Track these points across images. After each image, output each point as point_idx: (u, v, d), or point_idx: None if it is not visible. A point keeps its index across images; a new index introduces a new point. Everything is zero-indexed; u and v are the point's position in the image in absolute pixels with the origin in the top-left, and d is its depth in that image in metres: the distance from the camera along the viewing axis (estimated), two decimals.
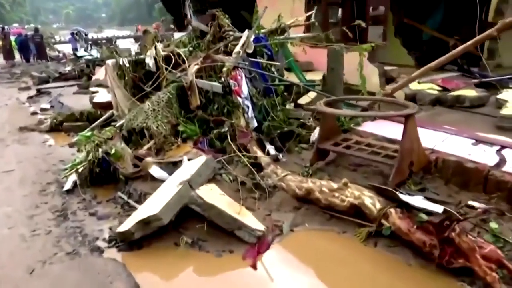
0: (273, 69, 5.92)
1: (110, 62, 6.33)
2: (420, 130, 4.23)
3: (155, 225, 3.25)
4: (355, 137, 4.29)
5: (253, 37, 5.45)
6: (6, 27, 25.76)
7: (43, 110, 8.86)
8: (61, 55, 19.97)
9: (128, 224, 3.32)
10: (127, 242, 3.32)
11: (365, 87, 5.26)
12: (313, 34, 5.72)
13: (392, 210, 3.17)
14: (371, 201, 3.31)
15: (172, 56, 5.89)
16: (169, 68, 5.75)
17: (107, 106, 7.20)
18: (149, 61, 6.06)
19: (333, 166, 4.22)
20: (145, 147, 4.49)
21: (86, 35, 21.98)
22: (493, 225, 3.06)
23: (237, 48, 5.38)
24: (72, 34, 20.38)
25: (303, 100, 6.36)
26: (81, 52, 14.90)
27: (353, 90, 6.81)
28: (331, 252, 3.23)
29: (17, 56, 20.22)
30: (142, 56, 6.31)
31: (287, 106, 5.24)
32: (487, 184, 3.47)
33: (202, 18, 6.41)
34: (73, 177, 4.63)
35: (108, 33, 38.90)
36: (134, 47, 6.60)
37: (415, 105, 3.58)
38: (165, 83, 5.80)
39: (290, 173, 4.02)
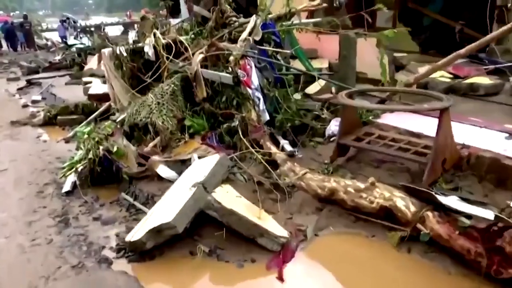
0: (278, 57, 5.58)
1: (106, 51, 5.93)
2: None
3: (168, 233, 2.96)
4: (377, 131, 4.00)
5: (259, 22, 5.09)
6: None
7: (34, 102, 8.44)
8: (49, 43, 19.32)
9: (138, 232, 3.02)
10: (138, 252, 3.02)
11: (386, 76, 4.94)
12: (327, 19, 5.35)
13: (429, 213, 2.91)
14: (404, 203, 3.04)
15: (173, 45, 5.52)
16: (170, 57, 5.38)
17: (103, 98, 6.83)
18: (148, 49, 5.67)
19: (355, 163, 3.93)
20: (151, 145, 4.16)
21: (75, 22, 21.22)
22: None
23: (244, 35, 5.03)
24: (62, 21, 19.64)
25: (311, 90, 6.04)
26: (72, 41, 14.31)
27: (365, 79, 6.52)
28: (361, 259, 2.97)
29: (3, 44, 19.52)
30: (140, 45, 5.92)
31: (297, 97, 4.91)
32: None
33: (204, 3, 5.98)
34: (72, 177, 4.30)
35: (95, 20, 37.88)
36: (132, 35, 6.17)
37: (449, 97, 3.29)
38: (166, 73, 5.44)
39: (309, 171, 3.74)
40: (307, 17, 7.73)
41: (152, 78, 5.31)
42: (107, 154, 4.16)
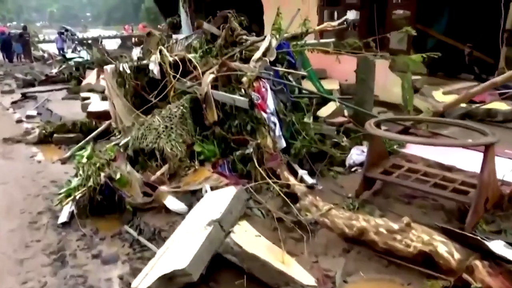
0: (290, 78, 5.29)
1: (108, 67, 5.61)
2: (474, 155, 3.68)
3: (181, 281, 2.59)
4: (405, 163, 3.68)
5: (274, 42, 4.81)
6: None
7: (29, 117, 8.04)
8: (46, 55, 18.95)
9: (147, 279, 2.64)
10: None
11: (412, 103, 4.65)
12: (349, 40, 5.08)
13: (478, 263, 2.57)
14: (447, 249, 2.70)
15: (180, 62, 5.20)
16: (178, 76, 5.06)
17: (103, 116, 6.48)
18: (154, 67, 5.36)
19: (382, 198, 3.60)
20: (158, 173, 3.80)
21: (73, 34, 20.92)
22: None
23: (258, 55, 4.74)
24: (60, 33, 19.32)
25: (323, 112, 5.75)
26: (70, 54, 13.96)
27: (377, 102, 6.25)
28: None
29: None
30: (145, 62, 5.61)
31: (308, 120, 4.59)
32: None
33: (214, 20, 5.70)
34: (69, 206, 3.91)
35: (93, 32, 37.69)
36: (136, 51, 5.86)
37: (492, 131, 2.99)
38: (173, 93, 5.12)
39: (334, 206, 3.39)
40: (315, 38, 7.51)
41: (158, 98, 4.98)
42: (108, 181, 3.79)
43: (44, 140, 6.41)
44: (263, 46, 4.76)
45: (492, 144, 2.84)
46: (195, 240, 2.78)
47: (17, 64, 17.53)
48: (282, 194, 3.55)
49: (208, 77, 4.55)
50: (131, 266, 3.09)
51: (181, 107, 4.20)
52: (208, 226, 2.84)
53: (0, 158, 5.80)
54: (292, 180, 3.76)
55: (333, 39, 5.82)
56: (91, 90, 9.50)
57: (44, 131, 6.48)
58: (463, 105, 6.45)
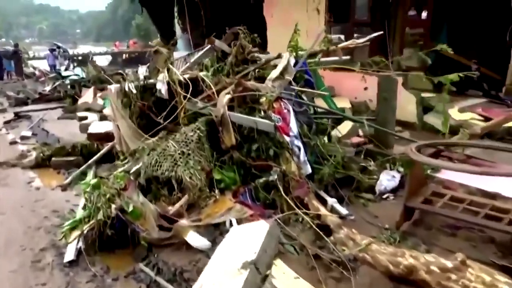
0: (304, 97, 5.03)
1: (113, 87, 5.29)
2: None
3: None
4: (446, 191, 3.40)
5: (293, 60, 4.56)
6: None
7: (24, 138, 7.62)
8: (37, 72, 18.53)
9: None
10: None
11: (447, 126, 4.40)
12: (375, 59, 4.83)
13: None
14: None
15: (189, 82, 4.91)
16: (188, 96, 4.76)
17: (105, 137, 6.13)
18: (161, 86, 5.07)
19: (423, 229, 3.31)
20: (177, 205, 3.45)
21: (65, 51, 20.53)
22: None
23: (275, 74, 4.48)
24: (52, 50, 18.93)
25: (337, 132, 5.48)
26: (65, 72, 13.58)
27: (396, 121, 6.00)
28: None
29: None
30: (152, 81, 5.31)
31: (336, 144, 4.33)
32: None
33: (225, 37, 5.45)
34: (75, 243, 3.54)
35: (83, 49, 37.39)
36: (142, 70, 5.56)
37: None
38: (183, 114, 4.81)
39: (373, 240, 3.09)
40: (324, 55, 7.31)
41: (168, 120, 4.67)
42: (120, 214, 3.43)
43: (41, 164, 6.01)
44: (281, 64, 4.50)
45: None
46: (228, 285, 2.44)
47: (8, 82, 17.06)
48: (314, 227, 3.23)
49: (224, 98, 4.25)
50: None
51: (198, 131, 3.88)
52: (243, 269, 2.50)
53: None
54: (323, 210, 3.45)
55: (347, 57, 5.58)
56: (88, 109, 9.17)
57: (41, 154, 6.09)
58: (479, 122, 6.28)
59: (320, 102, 5.74)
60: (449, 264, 2.66)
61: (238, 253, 2.72)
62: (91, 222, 3.54)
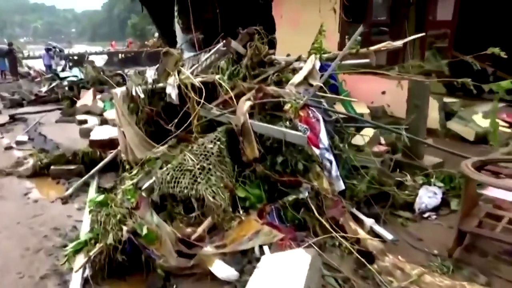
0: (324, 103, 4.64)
1: (118, 91, 4.87)
2: None
3: None
4: (499, 211, 3.02)
5: (318, 64, 4.17)
6: None
7: (19, 143, 7.16)
8: (32, 72, 18.02)
9: None
10: None
11: (497, 137, 4.03)
12: (413, 63, 4.45)
13: None
14: None
15: (202, 86, 4.51)
16: (202, 101, 4.36)
17: (108, 144, 5.71)
18: (171, 91, 4.66)
19: (478, 255, 2.92)
20: (200, 229, 3.03)
21: (61, 51, 20.01)
22: None
23: (298, 78, 4.09)
24: (47, 49, 18.40)
25: (358, 141, 5.10)
26: (63, 73, 13.09)
27: None
28: None
29: None
30: (161, 85, 4.90)
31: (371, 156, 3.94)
32: None
33: (240, 38, 5.06)
34: (81, 271, 3.11)
35: (78, 48, 36.83)
36: (150, 73, 5.13)
37: None
38: (196, 122, 4.41)
39: (426, 270, 2.70)
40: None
41: (181, 129, 4.26)
42: (133, 238, 3.02)
43: (39, 172, 5.58)
44: (305, 68, 4.11)
45: None
46: None
47: (2, 82, 16.52)
48: (356, 254, 2.84)
49: (245, 105, 3.85)
50: None
51: (218, 142, 3.47)
52: None
53: None
54: (362, 234, 3.06)
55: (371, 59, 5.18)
56: (87, 112, 8.75)
57: (39, 162, 5.66)
58: (506, 129, 5.93)
59: (339, 108, 5.37)
60: None
61: (271, 286, 2.32)
62: (99, 246, 3.13)
